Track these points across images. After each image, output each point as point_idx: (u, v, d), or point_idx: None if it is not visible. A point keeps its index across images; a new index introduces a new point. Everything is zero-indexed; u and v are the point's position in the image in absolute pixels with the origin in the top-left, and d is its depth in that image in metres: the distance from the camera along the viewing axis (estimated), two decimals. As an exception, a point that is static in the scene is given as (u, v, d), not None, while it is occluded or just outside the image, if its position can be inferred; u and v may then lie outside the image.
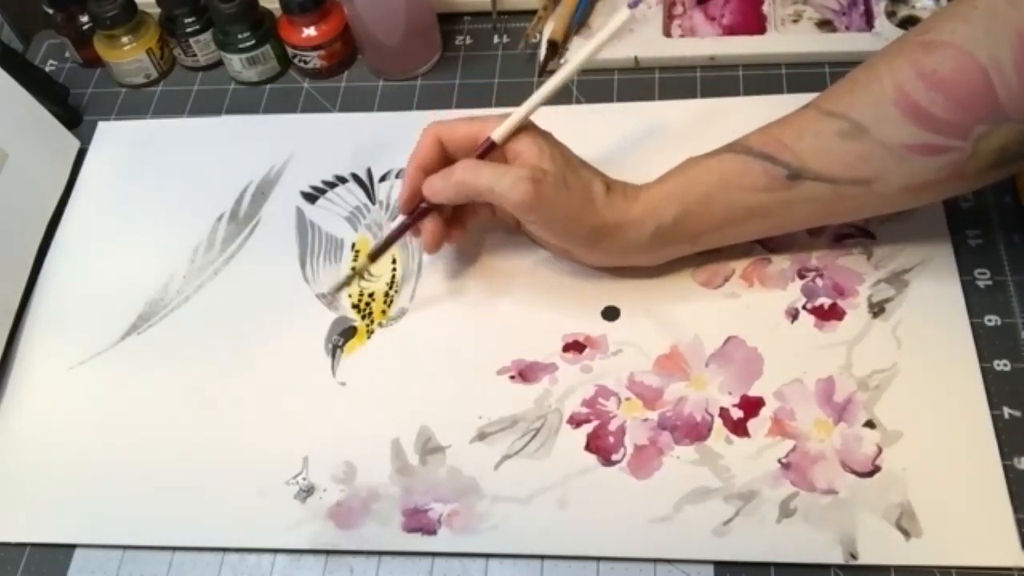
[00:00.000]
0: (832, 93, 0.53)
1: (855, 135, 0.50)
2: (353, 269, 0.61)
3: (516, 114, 0.54)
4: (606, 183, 0.55)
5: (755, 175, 0.53)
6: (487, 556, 0.51)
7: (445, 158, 0.56)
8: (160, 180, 0.69)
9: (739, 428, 0.53)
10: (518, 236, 0.62)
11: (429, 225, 0.57)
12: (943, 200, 0.59)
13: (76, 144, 0.71)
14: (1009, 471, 0.50)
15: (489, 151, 0.55)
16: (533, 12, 0.71)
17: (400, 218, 0.58)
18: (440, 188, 0.54)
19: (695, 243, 0.56)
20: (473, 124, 0.56)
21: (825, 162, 0.51)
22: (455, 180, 0.54)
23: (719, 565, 0.50)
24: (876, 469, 0.51)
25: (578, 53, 0.54)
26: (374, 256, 0.59)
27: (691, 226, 0.55)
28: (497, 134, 0.54)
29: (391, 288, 0.61)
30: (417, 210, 0.57)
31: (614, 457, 0.53)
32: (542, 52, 0.70)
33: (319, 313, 0.61)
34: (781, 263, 0.59)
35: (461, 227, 0.59)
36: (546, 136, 0.55)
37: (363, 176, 0.67)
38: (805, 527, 0.50)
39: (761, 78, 0.67)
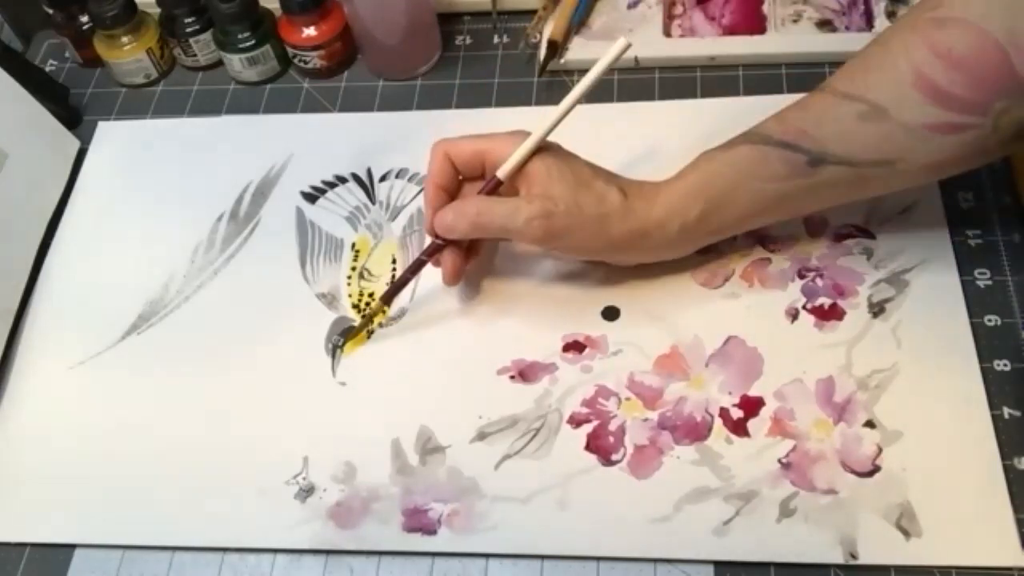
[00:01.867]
0: (846, 74, 0.52)
1: (875, 117, 0.50)
2: (364, 316, 0.60)
3: (519, 151, 0.53)
4: (622, 190, 0.54)
5: (775, 165, 0.52)
6: (487, 556, 0.51)
7: (456, 174, 0.56)
8: (160, 180, 0.69)
9: (739, 428, 0.53)
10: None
11: (448, 257, 0.56)
12: (943, 200, 0.60)
13: (76, 144, 0.71)
14: (1009, 471, 0.50)
15: (496, 188, 0.54)
16: (533, 12, 0.71)
17: (408, 265, 0.58)
18: (452, 225, 0.54)
19: (722, 233, 0.56)
20: (479, 142, 0.55)
21: (847, 146, 0.51)
22: (468, 220, 0.53)
23: (719, 565, 0.50)
24: (876, 469, 0.51)
25: (578, 86, 0.53)
26: (387, 298, 0.59)
27: (715, 220, 0.54)
28: (502, 172, 0.54)
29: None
30: (432, 245, 0.56)
31: (614, 457, 0.53)
32: (542, 52, 0.70)
33: (319, 313, 0.61)
34: (781, 263, 0.59)
35: (476, 252, 0.59)
36: (555, 153, 0.54)
37: (363, 176, 0.67)
38: (805, 527, 0.50)
39: (761, 78, 0.67)
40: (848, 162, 0.51)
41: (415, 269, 0.57)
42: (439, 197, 0.55)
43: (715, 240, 0.57)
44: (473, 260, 0.58)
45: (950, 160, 0.50)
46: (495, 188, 0.54)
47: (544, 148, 0.54)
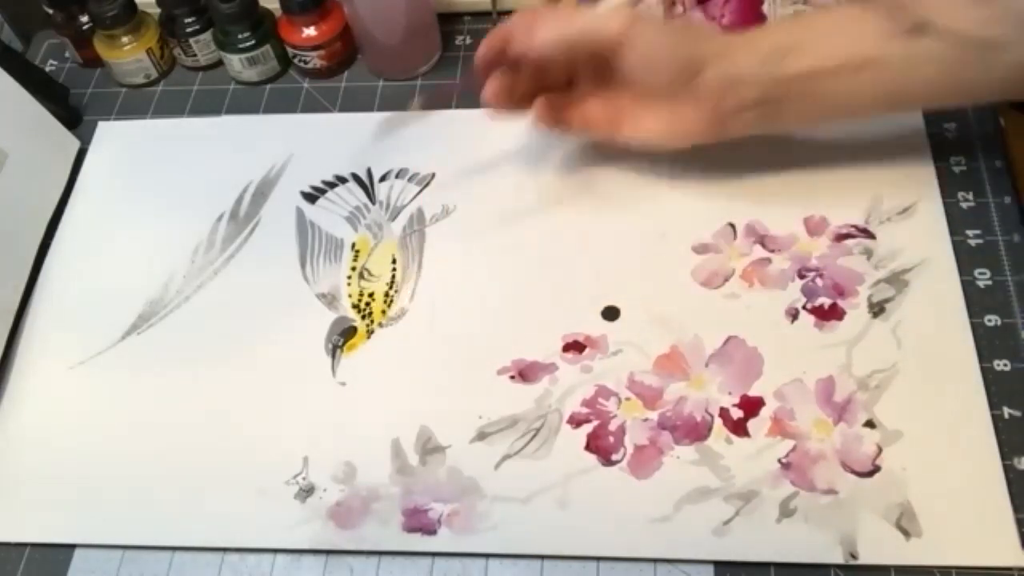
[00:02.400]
0: None
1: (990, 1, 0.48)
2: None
3: None
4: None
5: (875, 21, 0.50)
6: (487, 556, 0.51)
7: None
8: (160, 180, 0.69)
9: (739, 428, 0.53)
10: (517, 235, 0.62)
11: (542, 106, 0.56)
12: (942, 199, 0.60)
13: (76, 144, 0.71)
14: (1009, 471, 0.50)
15: None
16: (533, 12, 0.71)
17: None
18: (541, 32, 0.53)
19: (812, 86, 0.52)
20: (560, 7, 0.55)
21: (953, 18, 0.49)
22: (553, 30, 0.52)
23: (719, 565, 0.50)
24: (876, 469, 0.51)
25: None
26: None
27: (807, 59, 0.51)
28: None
29: (391, 288, 0.62)
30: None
31: (614, 457, 0.53)
32: (542, 52, 0.69)
33: (319, 313, 0.61)
34: (781, 263, 0.59)
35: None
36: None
37: (363, 176, 0.67)
38: (805, 527, 0.50)
39: (761, 78, 0.67)
40: (952, 35, 0.49)
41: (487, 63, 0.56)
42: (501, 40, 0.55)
43: (798, 109, 0.53)
44: (578, 107, 0.57)
45: None
46: None
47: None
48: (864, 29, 0.51)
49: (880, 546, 0.49)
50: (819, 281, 0.58)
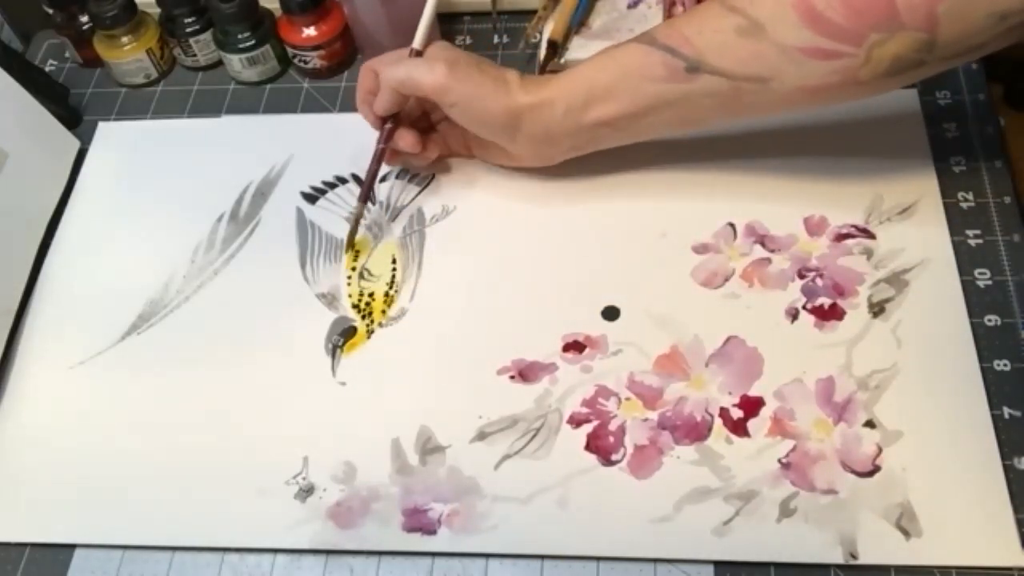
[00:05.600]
0: None
1: (753, 33, 0.51)
2: (356, 220, 0.63)
3: (423, 20, 0.61)
4: (522, 76, 0.59)
5: (656, 66, 0.54)
6: (487, 556, 0.51)
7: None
8: (160, 180, 0.69)
9: (739, 428, 0.53)
10: (516, 235, 0.62)
11: (405, 135, 0.62)
12: (942, 199, 0.60)
13: (76, 144, 0.71)
14: (1009, 471, 0.50)
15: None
16: (533, 12, 0.71)
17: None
18: (380, 97, 0.61)
19: (614, 127, 0.58)
20: (399, 50, 0.62)
21: (722, 57, 0.53)
22: (381, 80, 0.59)
23: (719, 565, 0.50)
24: (876, 469, 0.51)
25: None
26: (364, 197, 0.63)
27: (600, 110, 0.57)
28: (417, 42, 0.61)
29: (391, 288, 0.62)
30: (383, 130, 0.62)
31: (614, 457, 0.53)
32: (542, 52, 0.69)
33: (319, 313, 0.61)
34: (781, 263, 0.59)
35: (432, 129, 0.65)
36: (462, 50, 0.61)
37: (363, 176, 0.67)
38: (805, 527, 0.50)
39: (761, 78, 0.67)
40: (723, 73, 0.53)
41: (379, 159, 0.63)
42: (370, 102, 0.62)
43: (614, 139, 0.59)
44: (434, 138, 0.64)
45: (822, 86, 0.52)
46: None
47: (452, 45, 0.62)
48: (647, 74, 0.55)
49: (880, 546, 0.49)
50: (819, 281, 0.58)
